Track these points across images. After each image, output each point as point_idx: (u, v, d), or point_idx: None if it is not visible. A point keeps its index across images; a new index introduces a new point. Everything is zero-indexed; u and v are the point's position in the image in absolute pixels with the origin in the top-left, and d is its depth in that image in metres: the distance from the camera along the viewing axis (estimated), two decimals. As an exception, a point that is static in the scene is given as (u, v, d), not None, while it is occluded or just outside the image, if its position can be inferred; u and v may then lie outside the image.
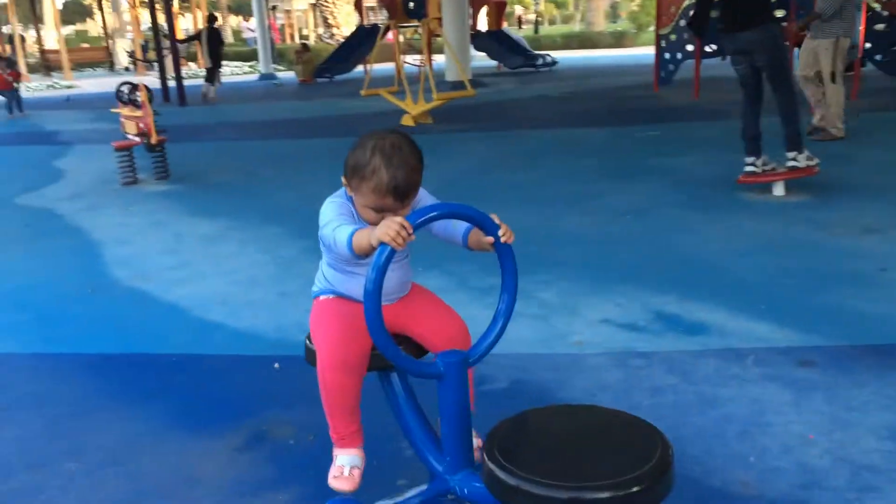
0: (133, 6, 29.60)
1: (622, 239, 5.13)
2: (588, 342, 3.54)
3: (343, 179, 1.96)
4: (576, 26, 49.41)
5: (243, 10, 45.25)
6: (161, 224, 6.16)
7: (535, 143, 9.54)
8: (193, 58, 28.52)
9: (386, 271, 1.71)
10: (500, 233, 1.83)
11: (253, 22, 27.71)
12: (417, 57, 14.15)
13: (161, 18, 16.78)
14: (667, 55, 14.00)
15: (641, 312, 3.83)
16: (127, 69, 31.10)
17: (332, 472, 2.04)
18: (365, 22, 23.96)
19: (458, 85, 12.90)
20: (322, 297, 2.10)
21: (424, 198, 2.05)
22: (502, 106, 13.79)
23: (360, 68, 20.72)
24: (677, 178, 6.79)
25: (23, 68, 24.46)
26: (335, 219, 1.91)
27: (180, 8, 32.09)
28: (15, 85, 14.69)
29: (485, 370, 3.29)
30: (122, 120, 7.84)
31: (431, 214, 1.73)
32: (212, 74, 16.37)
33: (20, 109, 14.69)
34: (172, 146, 8.05)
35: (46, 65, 29.68)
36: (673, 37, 13.81)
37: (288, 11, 44.83)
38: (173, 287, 4.58)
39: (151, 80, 16.79)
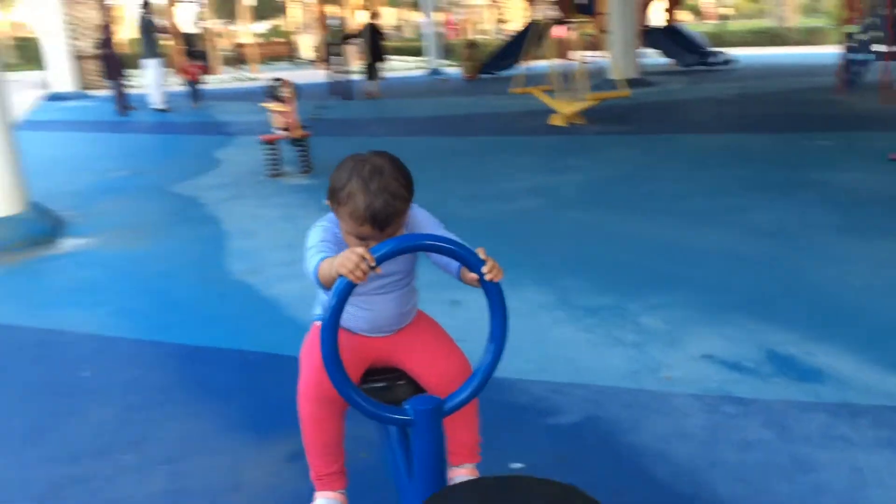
0: (318, 3, 31.08)
1: (753, 262, 4.64)
2: (680, 379, 3.19)
3: (328, 202, 1.82)
4: (767, 21, 46.43)
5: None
6: (290, 218, 6.32)
7: (690, 149, 8.97)
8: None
9: (343, 305, 1.56)
10: (485, 269, 1.62)
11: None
12: (587, 53, 13.76)
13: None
14: (855, 55, 12.74)
15: (751, 350, 3.41)
16: (310, 63, 32.76)
17: None
18: (534, 18, 23.72)
19: (616, 84, 12.42)
20: (317, 323, 1.98)
21: (424, 222, 1.88)
22: (665, 107, 13.13)
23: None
24: (836, 196, 6.10)
25: (216, 61, 26.37)
26: (316, 245, 1.78)
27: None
28: (200, 77, 15.81)
29: (556, 399, 3.06)
30: (271, 114, 8.16)
31: (399, 247, 1.57)
32: (372, 70, 16.79)
33: (198, 100, 15.79)
34: (325, 140, 8.29)
35: (239, 58, 31.87)
36: (863, 35, 12.54)
37: (466, 7, 45.44)
38: (279, 282, 4.65)
39: (325, 75, 17.56)
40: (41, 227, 5.95)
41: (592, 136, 10.01)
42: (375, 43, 16.62)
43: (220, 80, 24.71)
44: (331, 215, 1.86)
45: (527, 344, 3.60)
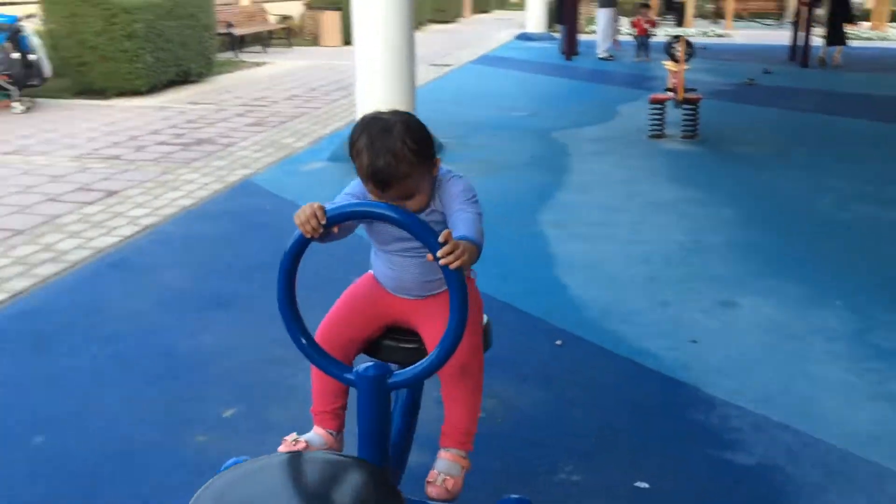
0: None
1: None
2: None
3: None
4: None
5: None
6: (633, 181, 6.17)
7: None
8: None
9: (296, 254, 1.59)
10: (440, 253, 1.50)
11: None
12: None
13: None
14: None
15: None
16: (791, 24, 30.18)
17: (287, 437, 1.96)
18: None
19: None
20: (370, 273, 2.02)
21: (454, 195, 1.77)
22: None
23: None
24: None
25: (690, 17, 25.87)
26: (341, 194, 1.81)
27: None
28: (649, 31, 15.73)
29: (754, 438, 2.65)
30: (669, 73, 7.89)
31: (350, 210, 1.53)
32: (836, 34, 14.77)
33: (646, 55, 15.74)
34: (730, 107, 7.74)
35: (717, 12, 30.70)
36: None
37: None
38: (568, 241, 4.67)
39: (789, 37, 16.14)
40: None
41: None
42: (841, 5, 14.61)
43: (691, 33, 24.23)
44: None
45: (772, 368, 3.14)
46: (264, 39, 16.87)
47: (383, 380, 1.62)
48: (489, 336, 2.04)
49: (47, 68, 9.10)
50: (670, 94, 7.69)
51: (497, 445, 2.62)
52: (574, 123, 8.61)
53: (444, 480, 1.85)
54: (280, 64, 14.03)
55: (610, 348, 3.33)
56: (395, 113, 1.74)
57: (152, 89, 10.23)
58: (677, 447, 2.63)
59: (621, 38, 16.58)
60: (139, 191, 5.68)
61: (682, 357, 3.24)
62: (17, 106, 8.76)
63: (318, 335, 1.88)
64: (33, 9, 9.86)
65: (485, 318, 2.05)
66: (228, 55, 14.65)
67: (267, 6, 17.59)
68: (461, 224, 1.71)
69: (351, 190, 1.82)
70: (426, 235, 1.52)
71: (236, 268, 4.16)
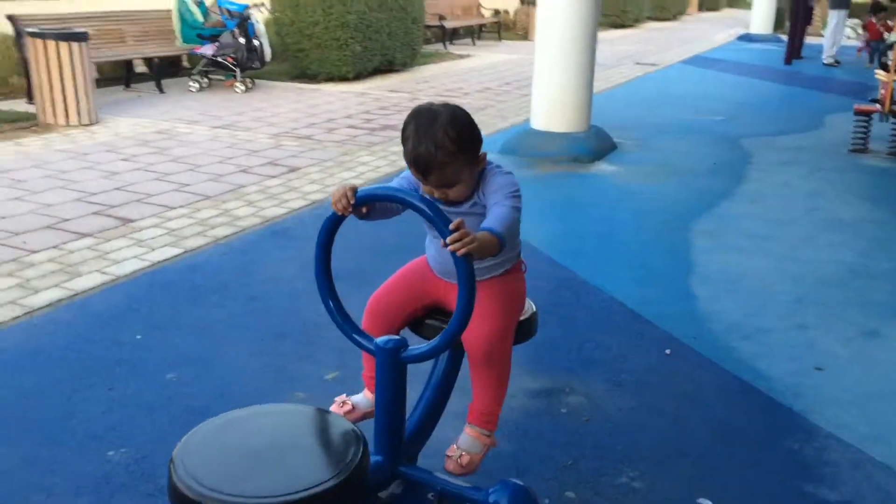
0: None
1: None
2: None
3: None
4: None
5: None
6: (812, 195, 5.75)
7: None
8: None
9: (330, 229, 1.73)
10: (449, 239, 1.56)
11: None
12: None
13: None
14: None
15: None
16: None
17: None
18: None
19: None
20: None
21: (494, 188, 1.83)
22: None
23: None
24: None
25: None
26: (395, 179, 1.93)
27: None
28: (885, 36, 14.32)
29: (847, 475, 2.49)
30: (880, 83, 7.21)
31: (375, 193, 1.65)
32: None
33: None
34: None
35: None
36: None
37: None
38: (725, 252, 4.48)
39: None
40: (585, 147, 6.70)
41: None
42: None
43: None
44: None
45: (894, 407, 2.88)
46: (475, 32, 17.34)
47: (398, 353, 1.74)
48: (533, 326, 2.09)
49: (268, 53, 10.02)
50: (877, 105, 7.03)
51: (570, 441, 2.64)
52: (770, 131, 8.12)
53: (460, 456, 1.94)
54: (484, 57, 14.38)
55: (721, 364, 3.20)
56: (446, 105, 1.84)
57: (358, 76, 10.93)
58: (756, 471, 2.50)
59: (844, 42, 15.22)
60: (317, 169, 6.16)
61: (799, 383, 3.04)
62: (239, 86, 9.74)
63: (370, 301, 2.04)
64: (262, -1, 10.90)
65: (532, 307, 2.10)
66: (437, 47, 15.24)
67: (484, 1, 18.04)
68: (492, 216, 1.78)
69: (405, 174, 1.95)
70: (439, 222, 1.61)
71: (372, 247, 4.36)
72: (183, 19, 9.94)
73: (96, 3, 10.01)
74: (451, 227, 1.59)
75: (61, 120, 7.40)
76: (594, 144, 6.84)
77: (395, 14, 11.42)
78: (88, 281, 3.89)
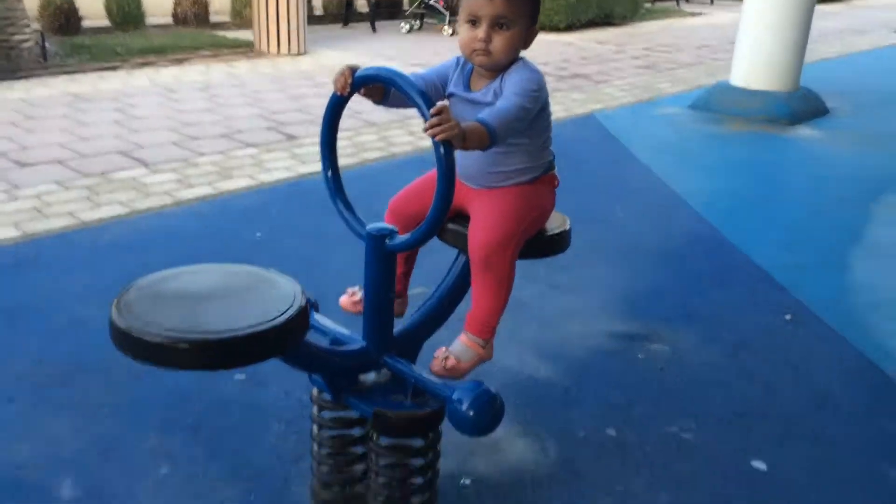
0: None
1: None
2: None
3: None
4: None
5: None
6: None
7: None
8: None
9: (333, 106, 1.71)
10: (427, 125, 1.46)
11: None
12: None
13: None
14: None
15: None
16: None
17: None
18: None
19: None
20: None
21: (513, 81, 1.69)
22: None
23: None
24: None
25: None
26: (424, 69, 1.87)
27: None
28: None
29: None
30: None
31: (369, 74, 1.61)
32: None
33: None
34: None
35: None
36: None
37: None
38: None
39: None
40: (785, 109, 6.05)
41: None
42: None
43: None
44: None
45: None
46: (715, -9, 16.25)
47: (383, 240, 1.70)
48: (564, 241, 1.94)
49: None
50: None
51: (631, 384, 2.44)
52: None
53: (446, 359, 1.83)
54: (717, 16, 13.45)
55: (846, 337, 2.77)
56: None
57: (570, 27, 10.67)
58: (838, 447, 2.15)
59: None
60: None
61: (939, 370, 2.57)
62: (447, 30, 9.90)
63: (392, 201, 1.99)
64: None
65: (566, 223, 1.94)
66: (669, 3, 14.47)
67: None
68: (491, 108, 1.65)
69: (437, 67, 1.87)
70: (422, 105, 1.52)
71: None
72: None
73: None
74: (433, 111, 1.49)
75: (273, 49, 7.97)
76: (797, 106, 6.15)
77: (617, -35, 11.00)
78: (236, 183, 4.18)
